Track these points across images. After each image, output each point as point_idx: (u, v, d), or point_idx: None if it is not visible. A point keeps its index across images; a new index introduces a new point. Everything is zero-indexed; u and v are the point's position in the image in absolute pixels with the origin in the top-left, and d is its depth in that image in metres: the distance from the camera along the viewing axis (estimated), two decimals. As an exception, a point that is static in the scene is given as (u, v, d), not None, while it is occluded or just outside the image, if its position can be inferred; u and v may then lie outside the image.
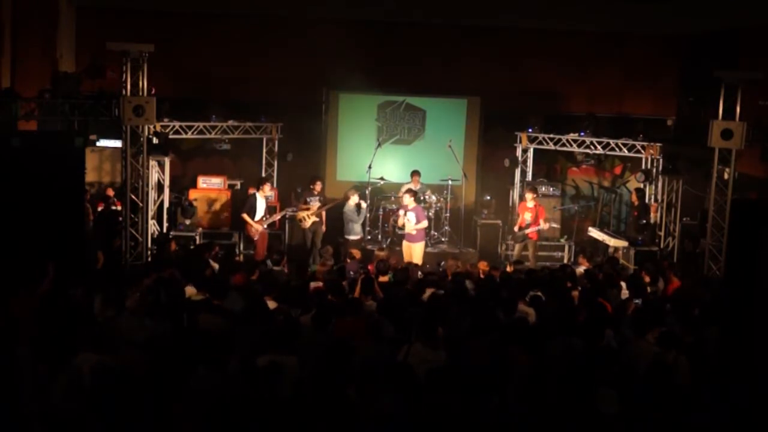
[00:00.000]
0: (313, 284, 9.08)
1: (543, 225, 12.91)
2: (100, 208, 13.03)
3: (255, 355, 5.96)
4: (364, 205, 12.90)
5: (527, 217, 13.05)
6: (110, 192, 13.50)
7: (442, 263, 10.36)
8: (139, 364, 5.90)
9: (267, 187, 12.79)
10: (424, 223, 12.25)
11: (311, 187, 13.23)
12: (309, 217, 12.99)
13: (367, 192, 13.38)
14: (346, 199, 12.78)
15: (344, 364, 5.95)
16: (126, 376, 5.50)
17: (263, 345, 6.23)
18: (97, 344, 6.01)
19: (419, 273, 10.04)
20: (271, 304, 7.71)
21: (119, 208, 12.09)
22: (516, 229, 13.23)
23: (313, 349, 6.29)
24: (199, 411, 5.38)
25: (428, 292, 8.61)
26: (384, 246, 12.86)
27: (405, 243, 12.36)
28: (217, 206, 13.71)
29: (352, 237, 12.72)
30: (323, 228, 13.27)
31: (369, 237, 13.57)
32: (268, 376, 5.46)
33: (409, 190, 12.42)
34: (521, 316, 7.63)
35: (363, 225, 13.12)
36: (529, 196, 13.16)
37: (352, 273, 10.07)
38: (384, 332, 6.88)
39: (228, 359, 5.91)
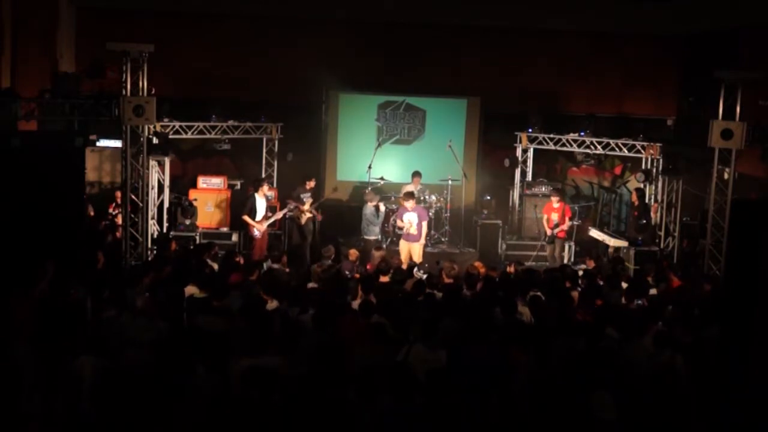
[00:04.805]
0: (309, 284, 9.07)
1: (568, 223, 13.33)
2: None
3: (239, 357, 5.94)
4: (382, 207, 13.00)
5: (554, 217, 13.34)
6: None
7: (439, 262, 10.35)
8: (141, 364, 5.90)
9: (265, 187, 12.85)
10: (424, 226, 12.31)
11: (305, 184, 13.37)
12: (305, 213, 13.09)
13: (366, 192, 13.40)
14: (364, 201, 13.04)
15: (343, 364, 5.94)
16: (127, 378, 5.50)
17: (260, 345, 6.21)
18: (96, 345, 6.01)
19: (420, 273, 10.00)
20: (271, 304, 7.70)
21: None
22: (548, 231, 13.43)
23: (313, 350, 6.28)
24: (199, 411, 5.39)
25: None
26: (383, 245, 12.85)
27: (403, 243, 12.34)
28: (217, 206, 13.72)
29: (371, 237, 12.84)
30: (319, 224, 13.43)
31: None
32: (257, 380, 5.44)
33: (407, 194, 12.43)
34: (519, 317, 7.63)
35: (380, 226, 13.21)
36: (554, 198, 13.46)
37: (348, 272, 10.09)
38: (385, 333, 6.87)
39: (228, 360, 5.90)
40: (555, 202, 13.41)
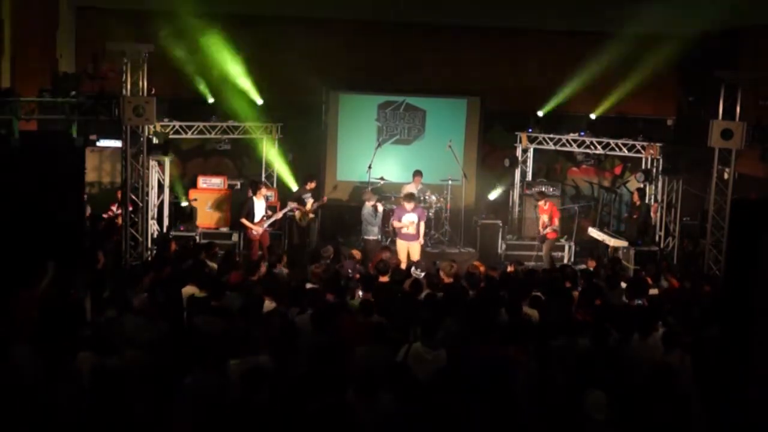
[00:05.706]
0: (308, 285, 9.06)
1: (554, 225, 13.44)
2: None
3: (239, 357, 5.93)
4: (380, 207, 12.97)
5: (545, 218, 13.46)
6: None
7: (437, 262, 10.34)
8: (141, 364, 5.89)
9: (263, 189, 12.86)
10: (423, 226, 12.36)
11: (306, 185, 13.35)
12: (308, 214, 13.08)
13: (365, 192, 13.39)
14: (366, 200, 12.99)
15: (343, 364, 5.94)
16: (125, 377, 5.50)
17: (259, 346, 6.21)
18: (97, 345, 6.01)
19: (418, 271, 9.99)
20: (269, 305, 7.70)
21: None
22: (540, 232, 13.61)
23: (312, 350, 6.27)
24: (196, 411, 5.38)
25: (424, 291, 8.57)
26: (390, 247, 12.83)
27: (402, 242, 12.29)
28: (217, 206, 13.72)
29: (371, 237, 12.83)
30: (318, 225, 13.52)
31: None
32: (256, 380, 5.44)
33: (408, 196, 12.42)
34: (523, 318, 7.62)
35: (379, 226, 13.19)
36: (540, 202, 13.58)
37: (349, 272, 10.09)
38: (385, 333, 6.86)
39: (227, 360, 5.90)
40: (544, 204, 13.53)
